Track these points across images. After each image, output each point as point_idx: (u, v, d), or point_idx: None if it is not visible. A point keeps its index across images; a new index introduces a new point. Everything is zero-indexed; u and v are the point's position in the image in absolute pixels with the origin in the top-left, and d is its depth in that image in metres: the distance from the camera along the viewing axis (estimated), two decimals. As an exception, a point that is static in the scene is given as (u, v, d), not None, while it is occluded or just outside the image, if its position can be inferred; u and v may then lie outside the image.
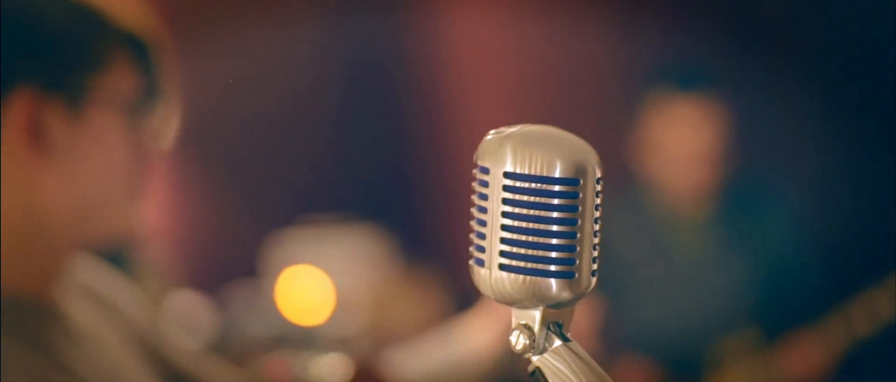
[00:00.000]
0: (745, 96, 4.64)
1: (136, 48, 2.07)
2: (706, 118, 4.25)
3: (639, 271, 4.33)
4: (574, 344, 1.37)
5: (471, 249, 1.35)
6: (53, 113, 1.99)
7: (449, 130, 5.17)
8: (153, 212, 4.95)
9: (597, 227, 1.34)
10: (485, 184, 1.33)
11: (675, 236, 4.36)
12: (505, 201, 1.32)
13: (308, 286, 4.50)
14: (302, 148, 5.04)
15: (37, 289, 2.02)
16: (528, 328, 1.36)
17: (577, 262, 1.32)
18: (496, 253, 1.33)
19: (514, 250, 1.32)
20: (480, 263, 1.34)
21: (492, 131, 1.35)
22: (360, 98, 5.09)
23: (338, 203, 4.62)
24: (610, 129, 4.56)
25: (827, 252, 4.37)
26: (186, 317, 4.56)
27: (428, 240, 4.91)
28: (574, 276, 1.33)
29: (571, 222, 1.31)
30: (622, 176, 4.44)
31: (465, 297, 4.73)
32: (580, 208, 1.32)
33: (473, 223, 1.34)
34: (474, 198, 1.34)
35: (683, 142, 4.26)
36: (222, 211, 5.22)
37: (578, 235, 1.32)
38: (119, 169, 2.06)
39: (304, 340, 4.50)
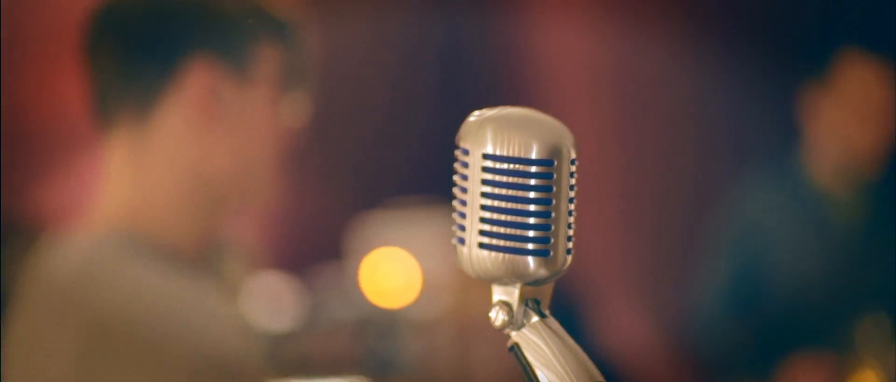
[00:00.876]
0: None
1: (281, 27, 2.19)
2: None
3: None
4: (551, 320, 1.42)
5: (453, 228, 1.40)
6: (225, 80, 2.13)
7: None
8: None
9: (572, 206, 1.38)
10: (465, 165, 1.38)
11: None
12: (484, 182, 1.37)
13: (393, 269, 4.57)
14: (389, 131, 5.09)
15: (196, 246, 2.17)
16: (507, 304, 1.41)
17: (553, 241, 1.37)
18: (476, 232, 1.38)
19: (493, 229, 1.37)
20: (461, 241, 1.39)
21: (472, 114, 1.40)
22: (449, 87, 5.14)
23: (424, 186, 4.66)
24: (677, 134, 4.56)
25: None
26: (272, 299, 4.65)
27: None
28: (549, 254, 1.37)
29: (547, 202, 1.36)
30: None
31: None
32: (555, 189, 1.36)
33: (455, 203, 1.39)
34: (456, 179, 1.39)
35: None
36: (308, 193, 5.29)
37: (554, 214, 1.36)
38: (270, 140, 2.20)
39: (389, 323, 4.57)
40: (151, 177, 2.20)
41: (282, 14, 2.22)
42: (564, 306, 4.77)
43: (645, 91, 4.93)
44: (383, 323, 4.55)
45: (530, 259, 1.37)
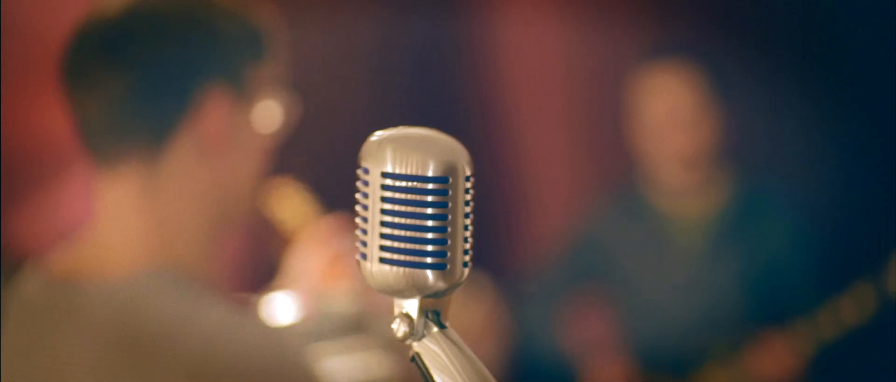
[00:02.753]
0: (749, 95, 4.68)
1: (256, 40, 2.22)
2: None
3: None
4: (450, 331, 1.48)
5: (356, 244, 1.45)
6: (233, 105, 2.18)
7: (501, 130, 5.23)
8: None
9: (468, 221, 1.44)
10: (366, 183, 1.44)
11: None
12: (383, 199, 1.43)
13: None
14: (356, 141, 5.12)
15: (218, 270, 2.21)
16: (408, 316, 1.46)
17: (450, 254, 1.43)
18: (376, 248, 1.44)
19: (393, 244, 1.43)
20: (364, 256, 1.45)
21: (374, 135, 1.46)
22: (416, 93, 5.18)
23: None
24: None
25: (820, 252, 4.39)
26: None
27: (478, 243, 4.97)
28: (447, 267, 1.43)
29: (443, 217, 1.42)
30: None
31: (512, 298, 4.83)
32: (451, 205, 1.42)
33: (357, 220, 1.45)
34: (358, 197, 1.45)
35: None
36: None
37: (450, 229, 1.42)
38: (260, 153, 2.24)
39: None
40: (170, 208, 2.22)
41: (264, 27, 2.24)
42: (539, 322, 4.81)
43: (616, 87, 4.97)
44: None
45: (429, 272, 1.43)
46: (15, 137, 5.09)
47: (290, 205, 3.22)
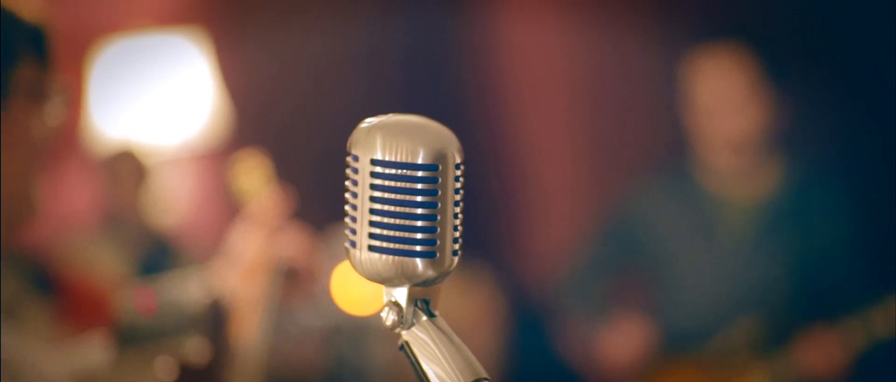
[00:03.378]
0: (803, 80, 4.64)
1: (37, 40, 2.15)
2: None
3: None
4: (439, 319, 1.46)
5: (345, 232, 1.44)
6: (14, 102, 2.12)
7: (502, 128, 5.23)
8: (208, 207, 5.10)
9: (458, 209, 1.42)
10: (355, 171, 1.42)
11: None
12: (372, 187, 1.41)
13: (362, 278, 4.60)
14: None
15: None
16: (397, 305, 1.45)
17: (440, 242, 1.41)
18: (365, 235, 1.42)
19: (382, 232, 1.41)
20: (353, 244, 1.44)
21: (364, 122, 1.45)
22: (415, 93, 5.17)
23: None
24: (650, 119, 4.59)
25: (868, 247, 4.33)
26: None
27: (479, 236, 4.98)
28: (436, 255, 1.41)
29: (433, 205, 1.40)
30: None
31: (516, 293, 4.83)
32: (440, 193, 1.40)
33: (346, 208, 1.43)
34: (347, 184, 1.43)
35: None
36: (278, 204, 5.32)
37: (440, 217, 1.41)
38: (35, 154, 2.19)
39: (358, 329, 4.62)
40: None
41: (39, 26, 2.17)
42: (535, 315, 4.82)
43: (619, 87, 4.96)
44: (353, 330, 4.60)
45: (418, 261, 1.41)
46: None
47: (250, 177, 3.18)
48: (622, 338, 4.30)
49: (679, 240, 4.32)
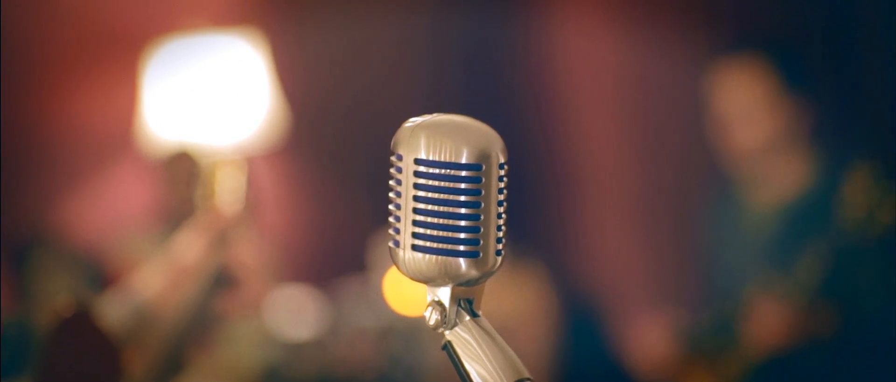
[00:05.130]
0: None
1: None
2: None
3: None
4: (482, 320, 1.45)
5: (389, 231, 1.44)
6: None
7: (556, 130, 5.22)
8: (265, 209, 5.12)
9: (501, 209, 1.42)
10: (399, 170, 1.42)
11: None
12: (416, 186, 1.41)
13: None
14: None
15: None
16: (440, 304, 1.45)
17: (483, 242, 1.41)
18: (409, 235, 1.42)
19: (426, 231, 1.41)
20: (396, 244, 1.44)
21: (408, 121, 1.44)
22: (471, 94, 5.17)
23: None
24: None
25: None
26: (295, 310, 4.71)
27: (532, 235, 4.97)
28: (480, 255, 1.41)
29: (476, 205, 1.40)
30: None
31: (567, 290, 4.82)
32: (484, 192, 1.40)
33: (390, 208, 1.43)
34: (391, 184, 1.43)
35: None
36: (332, 207, 5.35)
37: (483, 217, 1.40)
38: None
39: (411, 330, 4.63)
40: None
41: None
42: (588, 313, 4.81)
43: (663, 96, 4.95)
44: (406, 331, 4.61)
45: (462, 260, 1.40)
46: (66, 127, 5.12)
47: (220, 180, 3.16)
48: (664, 335, 4.29)
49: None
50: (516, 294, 4.69)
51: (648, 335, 4.44)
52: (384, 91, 5.22)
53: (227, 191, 3.16)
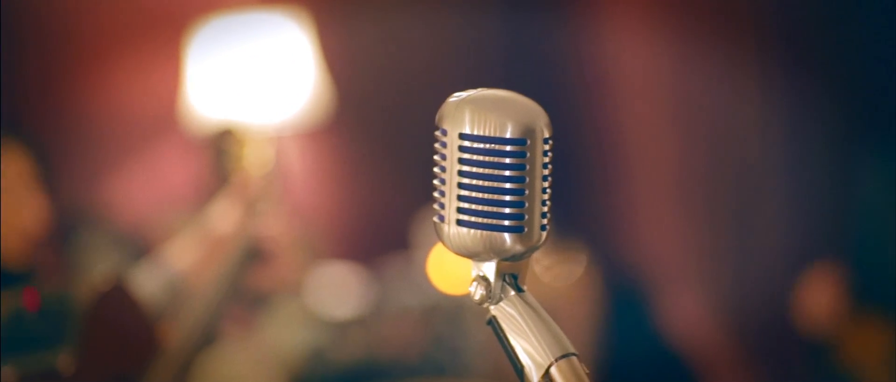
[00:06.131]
0: None
1: None
2: None
3: None
4: (527, 295, 1.45)
5: (434, 206, 1.44)
6: None
7: (600, 114, 5.21)
8: (310, 188, 5.13)
9: (546, 184, 1.41)
10: (444, 145, 1.42)
11: None
12: (461, 161, 1.40)
13: (458, 258, 4.61)
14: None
15: None
16: (485, 279, 1.44)
17: (528, 217, 1.40)
18: (454, 210, 1.41)
19: (470, 206, 1.41)
20: (441, 219, 1.43)
21: (452, 96, 1.44)
22: (515, 74, 5.17)
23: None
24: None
25: None
26: (339, 287, 4.72)
27: (579, 217, 4.97)
28: (524, 230, 1.40)
29: (521, 180, 1.39)
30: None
31: (612, 272, 4.81)
32: (529, 167, 1.39)
33: (435, 182, 1.43)
34: (435, 158, 1.42)
35: None
36: (378, 187, 5.35)
37: (528, 192, 1.39)
38: None
39: (455, 309, 4.63)
40: None
41: None
42: (629, 292, 4.81)
43: (698, 93, 4.95)
44: (450, 309, 4.61)
45: (506, 235, 1.40)
46: (111, 105, 5.14)
47: (251, 151, 3.16)
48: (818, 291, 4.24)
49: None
50: (562, 274, 4.68)
51: (691, 313, 4.44)
52: (429, 70, 5.21)
53: (256, 163, 3.17)
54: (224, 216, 3.02)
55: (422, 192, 4.91)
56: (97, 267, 4.36)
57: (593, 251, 4.77)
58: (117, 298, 2.62)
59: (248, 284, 3.15)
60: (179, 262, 2.91)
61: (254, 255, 3.06)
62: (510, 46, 5.25)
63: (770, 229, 4.40)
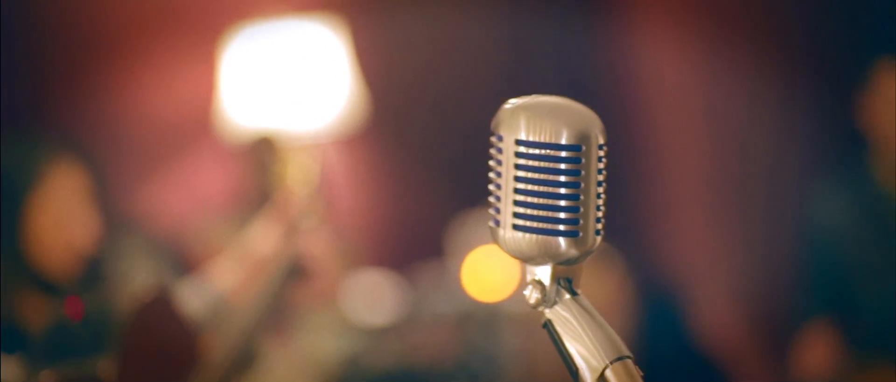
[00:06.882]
0: None
1: None
2: None
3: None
4: (582, 298, 1.46)
5: (489, 211, 1.45)
6: None
7: (636, 123, 5.22)
8: (345, 195, 5.15)
9: (601, 190, 1.43)
10: (499, 151, 1.44)
11: None
12: (517, 167, 1.42)
13: (493, 265, 4.63)
14: (490, 132, 5.16)
15: None
16: (540, 283, 1.46)
17: (583, 222, 1.42)
18: (509, 214, 1.43)
19: (526, 211, 1.42)
20: (497, 223, 1.45)
21: (508, 102, 1.46)
22: (553, 88, 5.18)
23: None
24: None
25: None
26: (373, 296, 4.74)
27: (610, 220, 4.97)
28: (579, 235, 1.42)
29: (576, 185, 1.41)
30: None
31: (644, 278, 4.82)
32: (584, 173, 1.41)
33: (490, 187, 1.45)
34: (491, 164, 1.44)
35: None
36: (411, 193, 5.38)
37: (583, 197, 1.42)
38: None
39: (489, 316, 4.65)
40: None
41: None
42: (661, 294, 4.82)
43: (728, 97, 4.97)
44: (483, 317, 4.62)
45: (561, 240, 1.42)
46: (145, 113, 5.17)
47: (296, 168, 3.17)
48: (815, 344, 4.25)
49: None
50: (594, 281, 4.69)
51: (722, 315, 4.44)
52: (463, 77, 5.23)
53: (299, 179, 3.18)
54: (265, 236, 3.04)
55: (456, 199, 4.95)
56: (133, 276, 4.38)
57: (625, 255, 4.79)
58: (160, 308, 2.64)
59: (288, 300, 3.16)
60: (221, 282, 2.94)
61: (295, 273, 3.08)
62: (544, 52, 5.27)
63: (800, 231, 4.40)
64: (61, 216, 2.87)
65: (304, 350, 4.29)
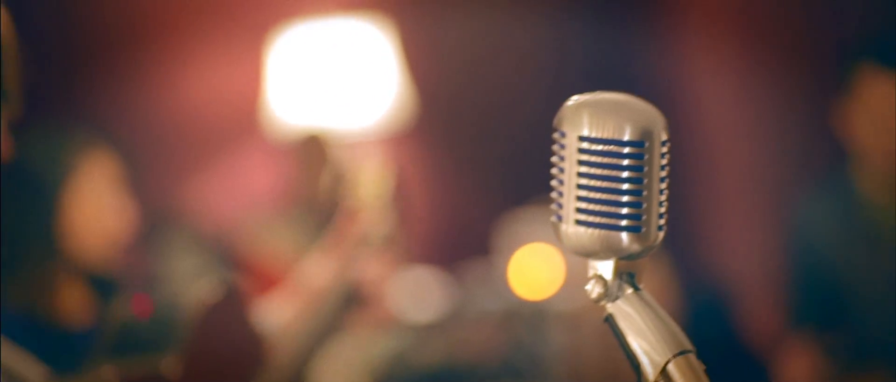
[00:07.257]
0: None
1: None
2: None
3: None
4: (644, 293, 1.48)
5: (552, 206, 1.47)
6: None
7: (682, 128, 5.23)
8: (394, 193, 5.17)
9: (663, 185, 1.45)
10: (563, 147, 1.45)
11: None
12: (580, 163, 1.44)
13: (539, 264, 4.64)
14: (537, 130, 5.17)
15: None
16: (602, 278, 1.47)
17: (645, 217, 1.44)
18: (572, 210, 1.45)
19: (588, 206, 1.44)
20: (559, 218, 1.46)
21: (571, 99, 1.48)
22: (596, 80, 5.19)
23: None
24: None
25: None
26: (420, 292, 4.76)
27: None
28: (642, 230, 1.44)
29: (639, 181, 1.43)
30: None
31: (691, 278, 4.82)
32: (646, 169, 1.43)
33: (553, 183, 1.46)
34: (554, 160, 1.46)
35: None
36: (459, 191, 5.39)
37: (646, 192, 1.43)
38: None
39: (535, 314, 4.66)
40: None
41: None
42: (708, 299, 4.82)
43: (775, 106, 5.00)
44: (529, 315, 4.63)
45: (624, 235, 1.44)
46: (193, 110, 5.20)
47: (369, 186, 3.07)
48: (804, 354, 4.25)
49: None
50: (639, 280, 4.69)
51: (769, 320, 4.44)
52: (511, 75, 5.25)
53: (372, 192, 3.10)
54: (322, 269, 3.02)
55: (503, 197, 4.96)
56: (182, 272, 4.41)
57: (673, 259, 4.79)
58: (229, 308, 2.66)
59: (342, 326, 3.14)
60: (276, 318, 2.95)
61: (351, 301, 3.04)
62: (594, 53, 5.28)
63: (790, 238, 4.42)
64: (95, 207, 2.89)
65: (352, 347, 4.30)
